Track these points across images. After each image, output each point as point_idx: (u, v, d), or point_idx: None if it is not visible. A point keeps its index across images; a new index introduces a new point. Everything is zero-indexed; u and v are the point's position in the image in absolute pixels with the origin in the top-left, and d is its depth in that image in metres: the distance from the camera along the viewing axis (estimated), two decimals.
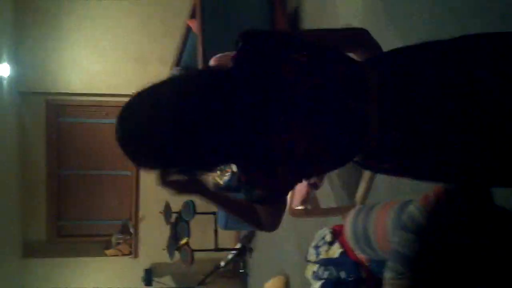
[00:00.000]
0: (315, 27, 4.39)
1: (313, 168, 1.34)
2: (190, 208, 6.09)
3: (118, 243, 6.89)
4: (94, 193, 6.84)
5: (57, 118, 6.52)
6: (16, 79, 6.11)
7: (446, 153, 1.25)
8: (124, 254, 6.92)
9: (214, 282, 6.86)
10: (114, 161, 6.67)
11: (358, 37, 1.49)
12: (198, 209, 6.14)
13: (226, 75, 1.28)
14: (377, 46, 1.49)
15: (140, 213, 6.89)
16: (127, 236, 6.91)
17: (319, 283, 2.46)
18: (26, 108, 6.35)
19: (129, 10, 6.38)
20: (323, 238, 2.60)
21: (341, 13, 4.13)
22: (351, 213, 2.11)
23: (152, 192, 6.75)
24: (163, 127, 1.17)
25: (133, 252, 6.92)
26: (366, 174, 2.92)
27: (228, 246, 6.75)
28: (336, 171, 3.78)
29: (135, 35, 6.49)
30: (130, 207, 6.89)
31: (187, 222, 6.15)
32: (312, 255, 2.62)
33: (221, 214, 5.96)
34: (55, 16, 6.26)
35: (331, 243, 2.53)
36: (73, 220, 6.93)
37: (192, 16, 5.22)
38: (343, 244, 2.46)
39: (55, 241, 6.80)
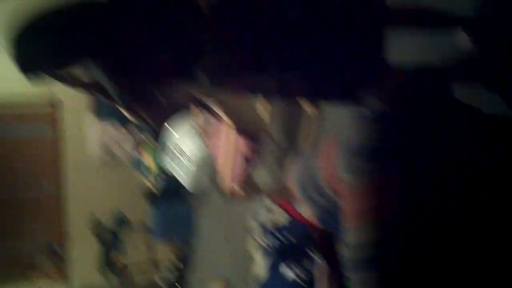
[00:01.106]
0: None
1: (161, 69, 1.56)
2: (121, 220, 5.72)
3: (45, 267, 6.34)
4: (13, 214, 6.26)
5: None
6: None
7: None
8: (52, 279, 6.38)
9: None
10: (35, 179, 6.17)
11: None
12: (130, 222, 5.80)
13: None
14: None
15: (67, 231, 6.40)
16: (54, 258, 6.38)
17: (262, 253, 2.21)
18: None
19: None
20: (263, 205, 2.35)
21: None
22: (294, 160, 1.89)
23: (79, 207, 6.32)
24: (53, 30, 1.45)
25: (63, 276, 6.39)
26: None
27: (163, 258, 6.41)
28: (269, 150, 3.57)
29: None
30: (55, 226, 6.37)
31: (118, 236, 5.76)
32: (253, 225, 2.36)
33: (156, 224, 5.62)
34: None
35: (272, 209, 2.28)
36: None
37: None
38: (285, 208, 2.22)
39: None
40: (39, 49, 1.47)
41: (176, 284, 6.39)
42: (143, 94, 1.62)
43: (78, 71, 1.62)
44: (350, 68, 1.54)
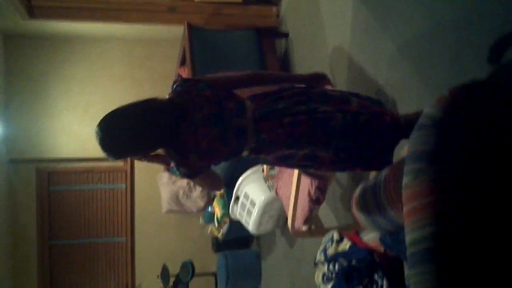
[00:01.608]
0: (306, 66, 4.45)
1: (212, 156, 2.14)
2: (189, 269, 5.85)
3: None
4: (87, 262, 6.52)
5: (47, 186, 6.35)
6: (6, 147, 6.03)
7: (294, 142, 2.17)
8: None
9: None
10: (108, 228, 6.46)
11: (251, 79, 2.33)
12: (197, 271, 5.92)
13: (166, 102, 2.11)
14: (269, 81, 2.37)
15: (137, 280, 6.58)
16: None
17: (330, 285, 2.28)
18: (15, 176, 6.21)
19: (119, 73, 6.40)
20: (331, 238, 2.43)
21: (329, 43, 4.16)
22: (358, 188, 1.99)
23: (148, 256, 6.51)
24: (132, 130, 1.99)
25: None
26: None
27: None
28: (334, 189, 3.66)
29: (126, 97, 6.44)
30: (125, 274, 6.59)
31: (186, 285, 5.88)
32: (320, 258, 2.44)
33: (223, 271, 5.72)
34: (43, 81, 6.23)
35: (339, 241, 2.36)
36: None
37: (182, 63, 5.24)
38: (351, 238, 2.30)
39: None
40: (121, 145, 1.98)
41: None
42: (201, 171, 2.16)
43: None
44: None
